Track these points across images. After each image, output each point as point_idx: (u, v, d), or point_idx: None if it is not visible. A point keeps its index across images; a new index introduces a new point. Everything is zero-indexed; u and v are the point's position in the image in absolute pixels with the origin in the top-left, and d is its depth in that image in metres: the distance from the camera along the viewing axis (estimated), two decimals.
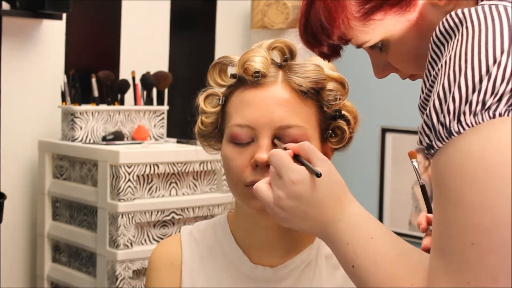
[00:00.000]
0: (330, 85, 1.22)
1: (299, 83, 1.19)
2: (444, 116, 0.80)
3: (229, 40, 3.37)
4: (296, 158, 1.00)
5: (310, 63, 1.22)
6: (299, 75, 1.19)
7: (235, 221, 1.28)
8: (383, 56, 0.99)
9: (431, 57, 0.86)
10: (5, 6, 2.61)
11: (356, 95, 3.73)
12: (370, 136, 3.21)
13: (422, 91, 0.88)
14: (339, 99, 1.23)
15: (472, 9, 0.83)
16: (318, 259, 1.25)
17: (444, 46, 0.85)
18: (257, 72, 1.18)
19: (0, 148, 2.67)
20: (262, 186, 1.00)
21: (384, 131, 3.17)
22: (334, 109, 1.23)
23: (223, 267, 1.26)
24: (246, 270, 1.25)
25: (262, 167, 1.15)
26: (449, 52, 0.82)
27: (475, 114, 0.78)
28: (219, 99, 1.23)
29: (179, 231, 1.33)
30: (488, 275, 0.78)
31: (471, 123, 0.79)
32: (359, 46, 0.98)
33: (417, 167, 1.16)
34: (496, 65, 0.78)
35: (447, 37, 0.84)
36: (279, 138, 1.16)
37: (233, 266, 1.25)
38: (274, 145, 1.16)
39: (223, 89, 1.25)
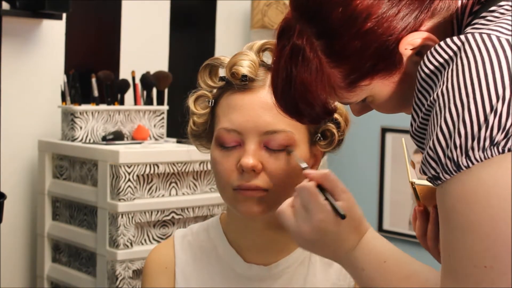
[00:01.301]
0: None
1: None
2: (451, 151, 0.82)
3: (229, 40, 3.37)
4: (320, 189, 1.02)
5: None
6: None
7: (227, 222, 1.29)
8: (364, 103, 0.99)
9: (422, 86, 0.87)
10: (5, 6, 2.61)
11: None
12: (370, 136, 3.21)
13: (414, 120, 0.89)
14: None
15: (463, 39, 0.83)
16: (312, 257, 1.26)
17: (437, 75, 0.85)
18: (245, 76, 1.18)
19: (0, 148, 2.67)
20: (286, 211, 1.04)
21: (384, 131, 3.17)
22: None
23: (217, 267, 1.27)
24: (240, 269, 1.25)
25: (248, 172, 1.15)
26: (444, 83, 0.83)
27: (484, 150, 0.80)
28: (209, 101, 1.23)
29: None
30: None
31: (480, 158, 0.81)
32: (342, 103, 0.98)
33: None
34: (500, 101, 0.79)
35: (440, 67, 0.85)
36: (290, 151, 1.16)
37: (227, 266, 1.26)
38: (263, 149, 1.16)
39: (213, 90, 1.24)
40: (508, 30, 0.83)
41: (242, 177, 1.16)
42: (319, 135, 1.22)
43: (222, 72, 1.24)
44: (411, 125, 0.90)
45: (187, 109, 1.26)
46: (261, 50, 1.23)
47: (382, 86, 0.93)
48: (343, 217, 0.98)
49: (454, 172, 0.82)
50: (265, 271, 1.24)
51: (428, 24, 0.91)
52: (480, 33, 0.83)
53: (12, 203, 2.63)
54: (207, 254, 1.28)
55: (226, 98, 1.20)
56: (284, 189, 1.17)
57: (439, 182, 0.85)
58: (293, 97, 0.93)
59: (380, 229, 3.17)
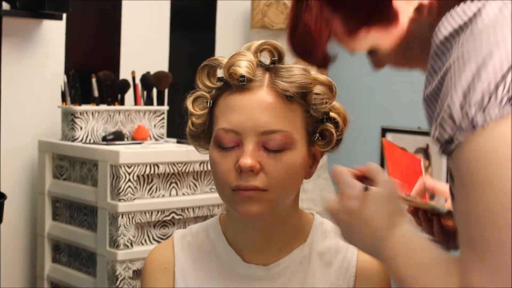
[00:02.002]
0: (317, 89, 1.21)
1: (285, 88, 1.18)
2: (468, 107, 0.82)
3: (229, 40, 3.37)
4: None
5: (297, 66, 1.21)
6: (285, 79, 1.19)
7: (226, 222, 1.29)
8: (375, 57, 1.02)
9: (440, 49, 0.88)
10: (5, 6, 2.61)
11: (356, 95, 3.69)
12: (370, 136, 3.21)
13: (429, 83, 0.89)
14: (326, 102, 1.22)
15: (480, 4, 0.86)
16: (311, 257, 1.26)
17: (454, 38, 0.87)
18: (242, 76, 1.17)
19: (0, 148, 2.67)
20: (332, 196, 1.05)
21: (384, 131, 3.17)
22: (321, 112, 1.22)
23: (216, 267, 1.27)
24: (240, 269, 1.25)
25: (247, 172, 1.15)
26: (463, 45, 0.84)
27: (501, 106, 0.80)
28: (207, 101, 1.23)
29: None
30: None
31: (498, 115, 0.80)
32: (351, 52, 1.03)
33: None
34: None
35: (458, 30, 0.86)
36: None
37: (227, 267, 1.26)
38: (262, 150, 1.17)
39: (211, 91, 1.24)
40: None
41: (240, 178, 1.16)
42: (318, 134, 1.22)
43: (220, 73, 1.24)
44: (425, 88, 0.90)
45: (186, 110, 1.26)
46: (259, 50, 1.23)
47: (381, 39, 0.97)
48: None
49: (470, 130, 0.82)
50: (264, 271, 1.24)
51: None
52: (496, 3, 0.85)
53: (12, 203, 2.63)
54: (206, 254, 1.28)
55: (224, 99, 1.20)
56: (282, 189, 1.18)
57: (453, 145, 0.84)
58: (299, 37, 1.00)
59: None
